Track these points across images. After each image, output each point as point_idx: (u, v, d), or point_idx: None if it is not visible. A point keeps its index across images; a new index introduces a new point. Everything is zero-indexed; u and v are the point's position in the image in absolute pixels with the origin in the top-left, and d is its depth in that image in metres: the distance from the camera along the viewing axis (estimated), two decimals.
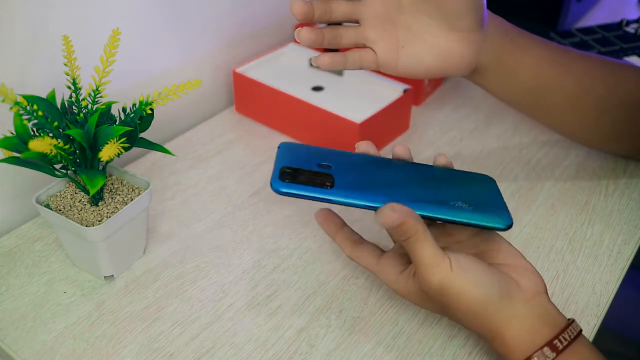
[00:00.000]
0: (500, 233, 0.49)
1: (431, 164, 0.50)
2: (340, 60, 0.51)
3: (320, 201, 0.44)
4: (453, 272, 0.42)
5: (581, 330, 0.44)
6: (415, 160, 0.50)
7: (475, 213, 0.45)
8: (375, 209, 0.43)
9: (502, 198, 0.47)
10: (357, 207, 0.44)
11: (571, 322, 0.43)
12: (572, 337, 0.42)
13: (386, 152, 0.71)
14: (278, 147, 0.48)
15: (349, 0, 0.52)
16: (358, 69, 0.53)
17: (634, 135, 0.63)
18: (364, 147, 0.49)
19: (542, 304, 0.44)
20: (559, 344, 0.42)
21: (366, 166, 0.47)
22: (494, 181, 0.49)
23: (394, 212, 0.41)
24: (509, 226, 0.45)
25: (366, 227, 0.59)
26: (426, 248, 0.42)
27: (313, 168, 0.45)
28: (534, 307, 0.43)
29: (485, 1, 0.52)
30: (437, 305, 0.45)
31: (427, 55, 0.52)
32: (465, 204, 0.45)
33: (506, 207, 0.46)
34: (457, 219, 0.44)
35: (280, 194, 0.43)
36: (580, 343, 0.43)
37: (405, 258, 0.47)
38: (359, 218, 0.60)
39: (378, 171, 0.47)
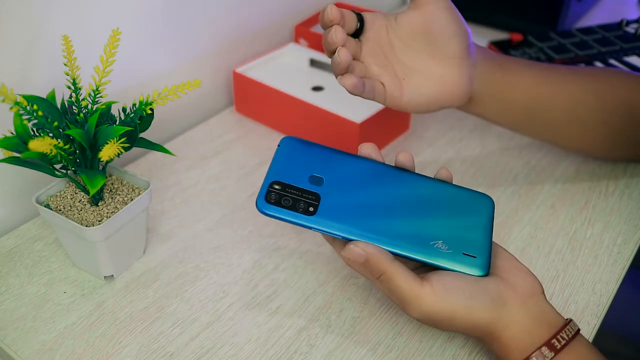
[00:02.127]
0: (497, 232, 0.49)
1: (429, 167, 0.50)
2: (360, 85, 0.51)
3: (302, 227, 0.44)
4: (436, 295, 0.42)
5: (579, 330, 0.44)
6: (415, 163, 0.50)
7: (452, 258, 0.44)
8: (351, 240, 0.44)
9: (489, 235, 0.46)
10: (335, 237, 0.44)
11: (569, 321, 0.43)
12: (570, 336, 0.42)
13: (386, 153, 0.71)
14: (278, 145, 0.47)
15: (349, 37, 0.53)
16: (370, 100, 0.54)
17: (634, 141, 0.63)
18: (367, 149, 0.49)
19: (539, 305, 0.44)
20: (557, 343, 0.42)
21: (358, 181, 0.46)
22: (491, 206, 0.48)
23: (358, 250, 0.43)
24: (486, 275, 0.44)
25: None
26: (399, 284, 0.42)
27: (303, 183, 0.45)
28: (531, 308, 0.43)
29: (469, 30, 0.54)
30: (433, 325, 0.45)
31: (425, 85, 0.54)
32: (445, 245, 0.44)
33: (488, 251, 0.45)
34: (432, 262, 0.44)
35: (263, 215, 0.44)
36: (579, 342, 0.43)
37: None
38: None
39: (368, 190, 0.46)
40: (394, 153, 0.52)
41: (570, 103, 0.59)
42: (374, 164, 0.48)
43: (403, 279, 0.42)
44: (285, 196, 0.45)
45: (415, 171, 0.49)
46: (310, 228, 0.44)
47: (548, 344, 0.42)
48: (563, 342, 0.42)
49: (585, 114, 0.60)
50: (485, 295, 0.42)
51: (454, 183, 0.49)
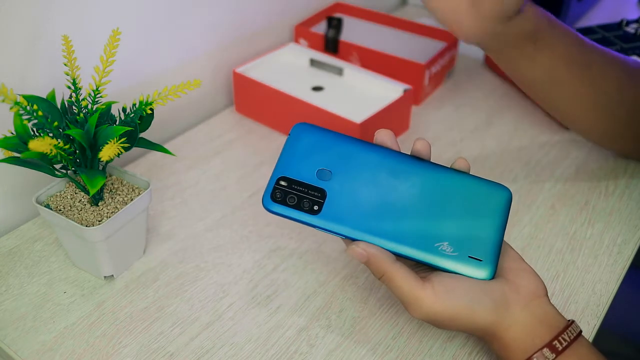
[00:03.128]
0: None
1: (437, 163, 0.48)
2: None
3: (308, 225, 0.44)
4: (437, 297, 0.42)
5: (581, 331, 0.43)
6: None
7: (457, 261, 0.43)
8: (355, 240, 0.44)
9: (502, 234, 0.44)
10: (339, 236, 0.44)
11: (571, 323, 0.43)
12: (571, 338, 0.42)
13: None
14: (289, 134, 0.47)
15: None
16: None
17: (635, 136, 0.63)
18: (382, 137, 0.47)
19: (542, 306, 0.44)
20: (558, 344, 0.42)
21: (367, 175, 0.45)
22: (508, 199, 0.46)
23: (360, 250, 0.43)
24: (490, 279, 0.44)
25: None
26: (399, 285, 0.42)
27: (310, 179, 0.45)
28: (534, 309, 0.43)
29: None
30: (433, 326, 0.45)
31: None
32: (451, 246, 0.44)
33: (497, 253, 0.44)
34: (436, 265, 0.44)
35: (270, 212, 0.44)
36: (580, 344, 0.43)
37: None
38: None
39: (376, 184, 0.45)
40: None
41: (587, 88, 0.58)
42: (387, 153, 0.46)
43: (404, 281, 0.42)
44: (290, 194, 0.44)
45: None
46: (314, 227, 0.44)
47: (549, 346, 0.42)
48: (565, 343, 0.42)
49: (598, 100, 0.59)
50: (488, 297, 0.42)
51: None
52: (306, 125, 0.47)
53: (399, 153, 0.47)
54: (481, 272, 0.43)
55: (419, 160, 0.46)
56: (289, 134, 0.47)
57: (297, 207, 0.44)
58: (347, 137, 0.47)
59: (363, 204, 0.45)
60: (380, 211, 0.44)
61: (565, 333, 0.42)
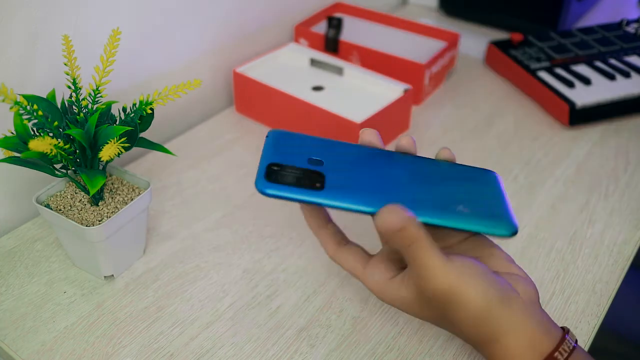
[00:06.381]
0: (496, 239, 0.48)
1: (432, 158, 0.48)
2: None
3: (311, 204, 0.41)
4: (459, 278, 0.39)
5: (576, 340, 0.43)
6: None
7: (478, 219, 0.41)
8: (369, 213, 0.39)
9: (506, 199, 0.43)
10: (350, 211, 0.40)
11: (567, 331, 0.42)
12: (570, 348, 0.41)
13: None
14: (267, 136, 0.44)
15: None
16: None
17: None
18: (367, 136, 0.45)
19: (538, 313, 0.42)
20: (559, 356, 0.40)
21: (361, 161, 0.43)
22: (497, 177, 0.45)
23: (395, 216, 0.38)
24: (514, 233, 0.41)
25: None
26: (431, 255, 0.39)
27: (303, 164, 0.41)
28: (532, 314, 0.42)
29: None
30: (435, 314, 0.42)
31: None
32: (467, 208, 0.41)
33: (510, 211, 0.42)
34: (459, 226, 0.41)
35: (266, 196, 0.39)
36: (577, 352, 0.42)
37: (396, 264, 0.44)
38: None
39: (373, 168, 0.43)
40: None
41: None
42: (372, 150, 0.45)
43: (436, 251, 0.39)
44: (286, 175, 0.40)
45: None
46: (320, 204, 0.40)
47: (551, 358, 0.40)
48: (565, 354, 0.40)
49: None
50: (498, 292, 0.40)
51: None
52: (283, 130, 0.45)
53: (387, 150, 0.45)
54: (505, 227, 0.41)
55: (406, 154, 0.45)
56: (266, 137, 0.44)
57: (298, 185, 0.39)
58: (329, 139, 0.45)
59: (365, 183, 0.42)
60: (385, 187, 0.42)
61: (564, 343, 0.41)
